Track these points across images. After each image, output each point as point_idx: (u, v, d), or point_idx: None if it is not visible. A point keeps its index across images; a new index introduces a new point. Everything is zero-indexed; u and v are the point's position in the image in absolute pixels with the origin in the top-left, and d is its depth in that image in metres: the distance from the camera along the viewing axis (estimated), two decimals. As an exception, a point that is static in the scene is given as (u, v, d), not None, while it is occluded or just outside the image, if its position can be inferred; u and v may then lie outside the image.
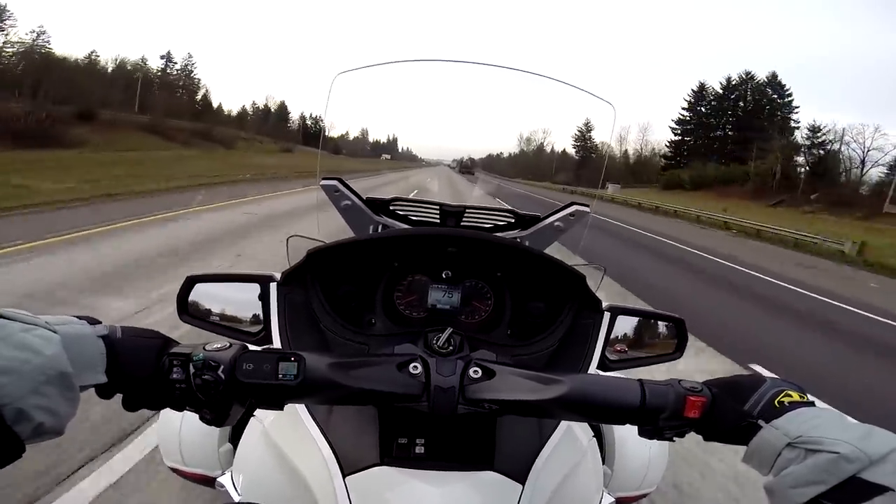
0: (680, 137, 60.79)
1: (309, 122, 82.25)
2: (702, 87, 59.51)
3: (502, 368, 0.57)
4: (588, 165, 65.78)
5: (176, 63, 57.58)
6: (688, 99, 60.81)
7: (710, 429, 0.53)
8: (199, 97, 60.71)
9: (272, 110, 79.01)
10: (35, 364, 0.38)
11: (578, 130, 68.08)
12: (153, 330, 0.53)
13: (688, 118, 60.65)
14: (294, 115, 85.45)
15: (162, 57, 57.40)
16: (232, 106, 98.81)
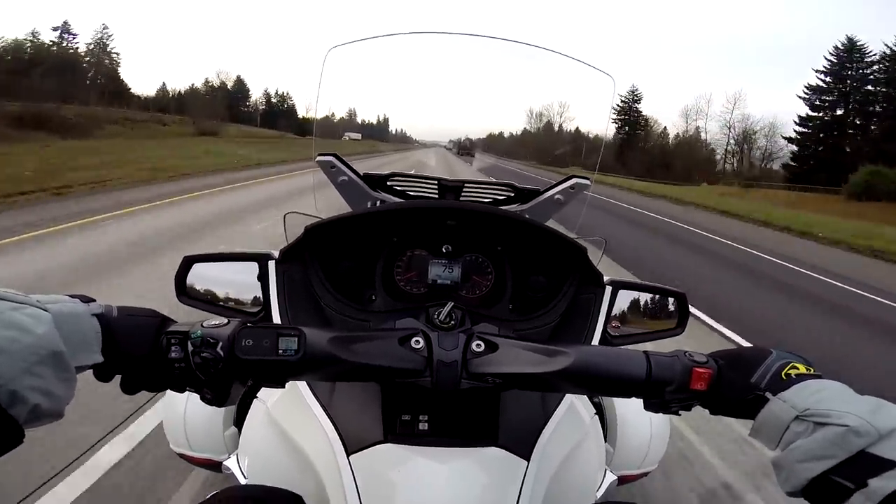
0: (820, 115, 39.52)
1: (274, 100, 76.67)
2: (851, 44, 37.93)
3: (505, 341, 0.56)
4: (633, 147, 58.82)
5: (76, 36, 45.48)
6: (829, 60, 39.28)
7: (716, 402, 0.52)
8: (115, 76, 50.43)
9: (228, 87, 70.33)
10: (25, 343, 0.37)
11: (623, 101, 60.37)
12: (150, 308, 0.52)
13: (829, 86, 39.39)
14: (257, 93, 78.00)
15: (55, 28, 44.50)
16: (180, 85, 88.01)
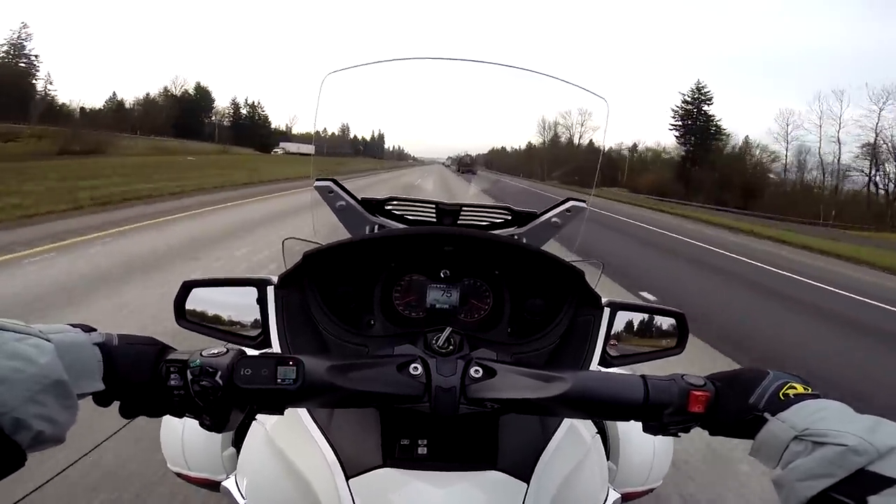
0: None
1: (244, 111, 70.28)
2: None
3: (503, 367, 0.57)
4: (701, 164, 48.02)
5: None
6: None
7: (715, 423, 0.53)
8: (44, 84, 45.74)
9: (189, 94, 64.10)
10: (29, 373, 0.38)
11: (686, 101, 49.44)
12: (150, 337, 0.53)
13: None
14: (224, 102, 72.12)
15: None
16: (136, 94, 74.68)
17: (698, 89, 50.23)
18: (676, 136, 53.06)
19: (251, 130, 70.22)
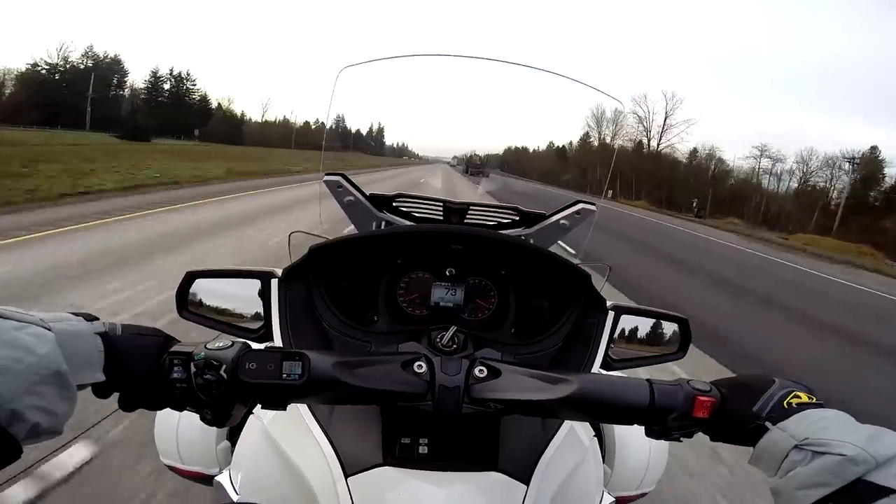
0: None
1: (168, 86, 52.13)
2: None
3: (508, 367, 0.57)
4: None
5: None
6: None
7: (717, 429, 0.53)
8: None
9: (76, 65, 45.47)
10: (28, 363, 0.37)
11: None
12: (153, 328, 0.52)
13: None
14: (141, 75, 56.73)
15: None
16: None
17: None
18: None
19: (175, 111, 52.55)
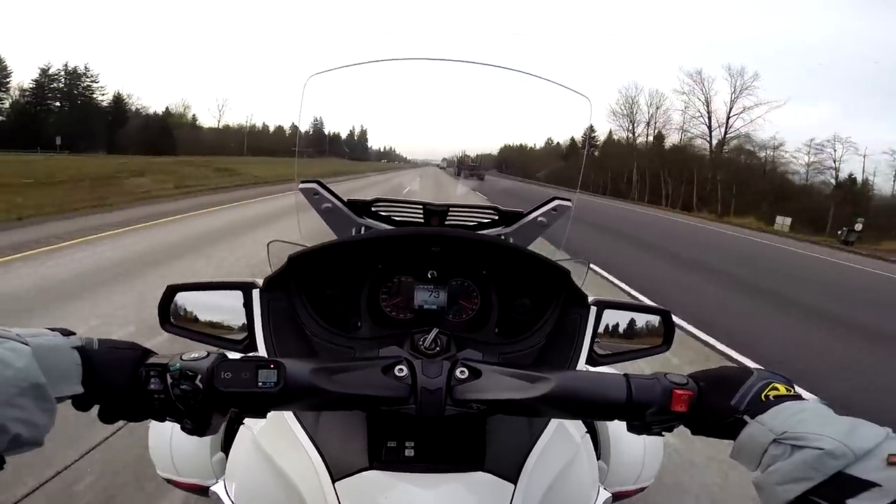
0: None
1: (60, 83, 40.39)
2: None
3: (488, 368, 0.57)
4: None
5: None
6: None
7: (697, 423, 0.53)
8: None
9: None
10: (6, 376, 0.39)
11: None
12: (131, 341, 0.53)
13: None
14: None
15: None
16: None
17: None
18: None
19: (71, 115, 40.17)
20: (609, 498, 0.92)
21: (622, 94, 52.58)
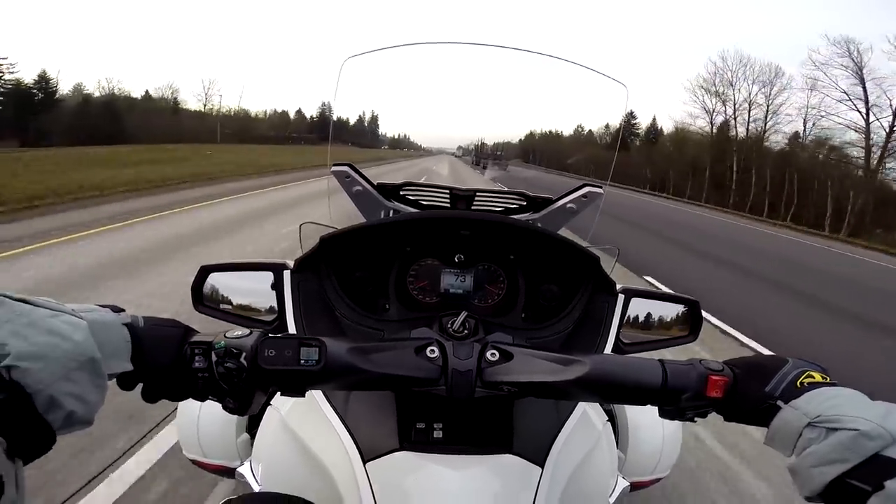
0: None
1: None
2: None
3: (520, 350, 0.57)
4: None
5: None
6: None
7: (731, 409, 0.53)
8: None
9: None
10: (64, 349, 0.38)
11: None
12: (173, 319, 0.53)
13: None
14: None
15: None
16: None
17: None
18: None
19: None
20: (627, 487, 0.92)
21: (713, 64, 40.66)
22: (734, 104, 37.88)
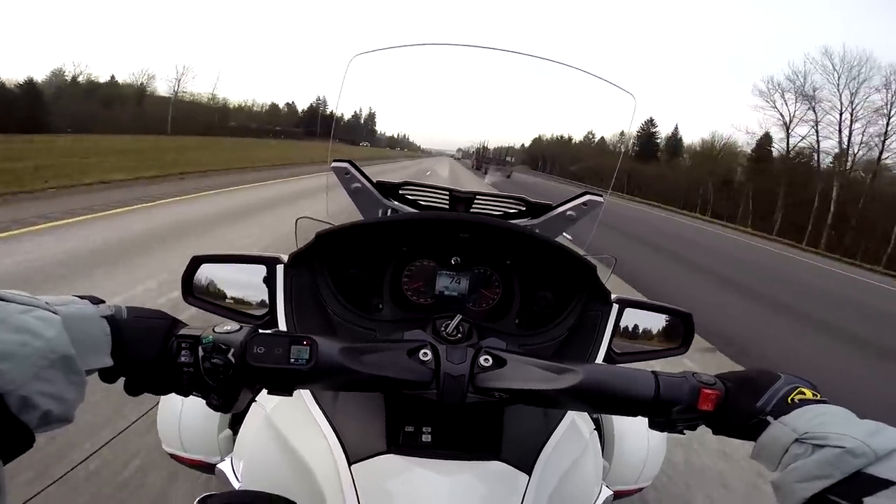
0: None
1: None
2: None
3: (514, 357, 0.57)
4: None
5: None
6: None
7: (721, 423, 0.53)
8: None
9: None
10: (35, 347, 0.36)
11: None
12: (160, 311, 0.51)
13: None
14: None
15: None
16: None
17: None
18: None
19: None
20: (610, 496, 0.92)
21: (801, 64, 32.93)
22: (839, 115, 29.01)
